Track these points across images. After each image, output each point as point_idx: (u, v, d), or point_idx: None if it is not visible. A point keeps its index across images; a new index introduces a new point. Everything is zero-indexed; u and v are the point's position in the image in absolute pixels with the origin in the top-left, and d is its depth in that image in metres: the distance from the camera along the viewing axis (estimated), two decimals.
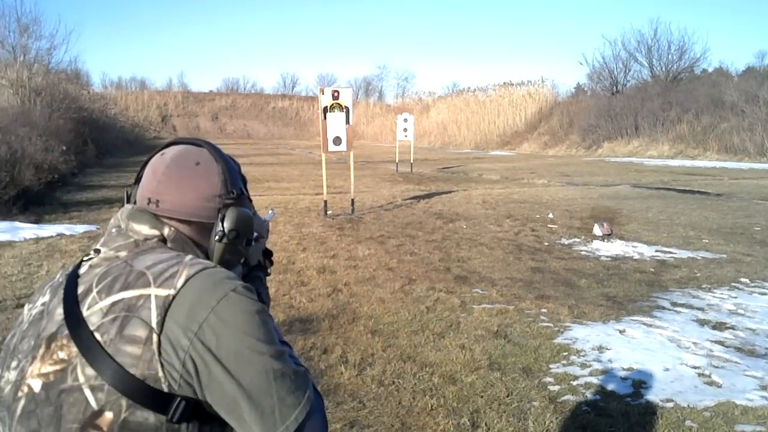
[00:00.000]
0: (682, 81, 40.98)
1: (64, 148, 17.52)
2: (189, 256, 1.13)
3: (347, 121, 11.47)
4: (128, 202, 1.26)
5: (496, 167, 27.63)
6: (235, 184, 1.25)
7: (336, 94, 11.47)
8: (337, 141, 11.47)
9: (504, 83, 57.30)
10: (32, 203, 12.31)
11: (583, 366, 4.63)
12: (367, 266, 7.59)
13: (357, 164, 26.91)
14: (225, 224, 1.20)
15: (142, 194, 1.22)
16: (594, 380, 4.39)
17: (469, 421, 3.73)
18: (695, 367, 4.62)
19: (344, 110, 11.46)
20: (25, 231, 9.56)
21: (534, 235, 9.96)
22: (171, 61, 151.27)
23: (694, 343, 5.13)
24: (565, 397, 4.10)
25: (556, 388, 4.24)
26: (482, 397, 4.06)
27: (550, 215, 11.98)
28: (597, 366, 4.63)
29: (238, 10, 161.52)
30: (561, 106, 49.53)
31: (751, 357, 4.85)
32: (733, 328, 5.52)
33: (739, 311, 6.01)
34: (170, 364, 1.01)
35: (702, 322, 5.68)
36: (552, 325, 5.54)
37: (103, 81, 74.50)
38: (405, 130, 23.24)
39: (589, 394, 4.16)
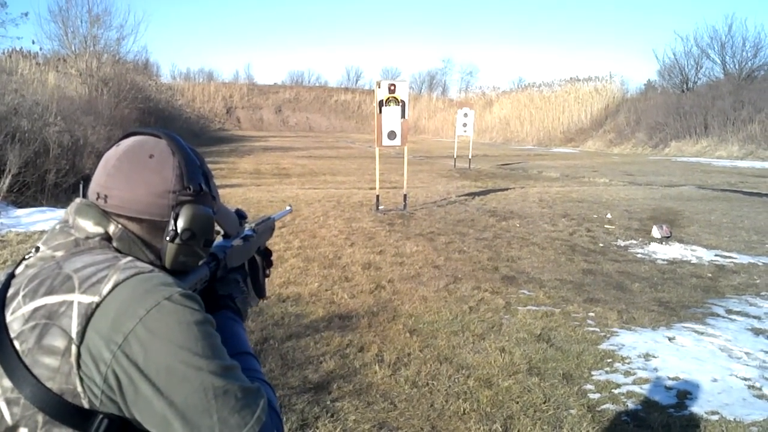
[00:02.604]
0: (756, 79, 39.52)
1: None
2: (126, 259, 1.04)
3: (403, 116, 11.33)
4: (84, 195, 1.18)
5: (557, 164, 27.20)
6: (192, 180, 1.15)
7: (392, 87, 11.32)
8: (391, 135, 11.36)
9: (570, 78, 56.69)
10: None
11: (626, 374, 4.47)
12: (413, 263, 7.51)
13: (415, 159, 26.96)
14: (178, 223, 1.11)
15: (92, 188, 1.14)
16: (637, 389, 4.22)
17: (501, 427, 3.63)
18: (745, 379, 4.41)
19: (400, 104, 11.31)
20: None
21: (589, 236, 9.71)
22: (239, 54, 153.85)
23: (746, 353, 4.90)
24: (605, 406, 3.96)
25: (596, 396, 4.10)
26: (517, 402, 3.95)
27: (608, 215, 11.67)
28: (641, 374, 4.47)
29: (307, 2, 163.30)
30: (629, 103, 48.40)
31: None
32: None
33: None
34: (90, 378, 0.93)
35: (757, 332, 5.42)
36: (598, 330, 5.37)
37: (172, 72, 76.45)
38: (464, 125, 22.92)
39: (630, 404, 4.01)
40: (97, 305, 0.95)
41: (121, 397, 0.94)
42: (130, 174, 1.12)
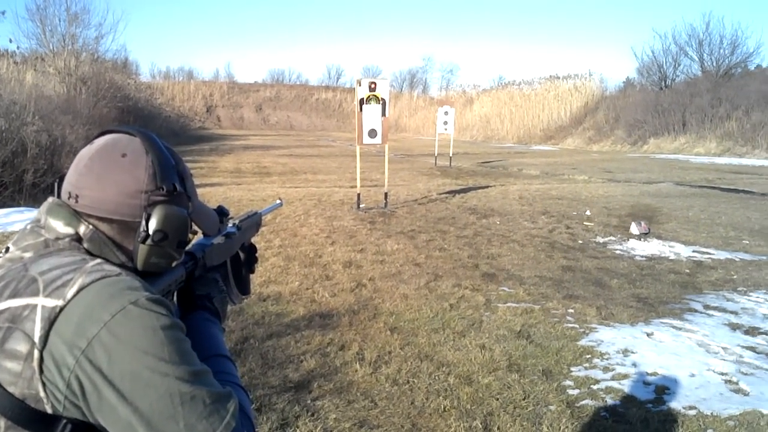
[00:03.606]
0: (734, 77, 39.96)
1: None
2: (93, 262, 1.02)
3: (383, 114, 11.34)
4: (58, 194, 1.14)
5: (537, 162, 27.33)
6: (166, 179, 1.12)
7: (373, 85, 11.33)
8: (372, 133, 11.37)
9: (550, 76, 56.92)
10: None
11: (605, 369, 4.51)
12: (394, 261, 7.52)
13: (396, 157, 26.97)
14: (150, 224, 1.09)
15: (64, 187, 1.12)
16: (615, 385, 4.26)
17: (481, 424, 3.65)
18: (722, 374, 4.47)
19: (381, 102, 11.32)
20: None
21: (568, 233, 9.78)
22: (219, 52, 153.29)
23: (723, 348, 4.96)
24: (584, 402, 3.99)
25: (576, 392, 4.13)
26: (497, 399, 3.97)
27: (587, 212, 11.75)
28: (620, 370, 4.51)
29: (287, 1, 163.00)
30: (608, 101, 48.75)
31: None
32: (766, 333, 5.33)
33: None
34: (53, 383, 0.92)
35: (734, 327, 5.49)
36: (577, 326, 5.41)
37: (151, 71, 75.86)
38: (445, 123, 22.84)
39: (609, 399, 4.04)
40: (61, 309, 0.94)
41: (85, 403, 0.93)
42: (101, 173, 1.09)
